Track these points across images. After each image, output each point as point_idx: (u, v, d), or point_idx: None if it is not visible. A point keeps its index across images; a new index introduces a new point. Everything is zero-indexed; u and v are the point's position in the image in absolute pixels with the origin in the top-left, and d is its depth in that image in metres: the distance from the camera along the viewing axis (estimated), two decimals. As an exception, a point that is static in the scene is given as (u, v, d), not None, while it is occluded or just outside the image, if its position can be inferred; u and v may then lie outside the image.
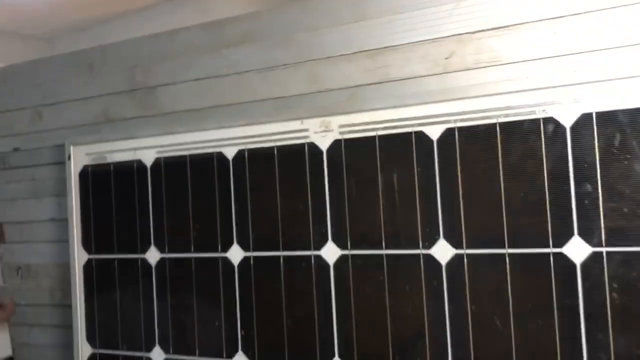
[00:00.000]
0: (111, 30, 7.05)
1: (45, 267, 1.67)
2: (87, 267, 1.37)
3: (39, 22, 7.06)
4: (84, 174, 1.37)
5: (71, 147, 1.39)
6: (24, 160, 1.65)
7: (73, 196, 1.38)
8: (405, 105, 1.06)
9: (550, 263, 0.94)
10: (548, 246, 0.94)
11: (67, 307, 1.63)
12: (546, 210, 0.95)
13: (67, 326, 1.63)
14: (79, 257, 1.38)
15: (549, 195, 0.95)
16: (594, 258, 0.91)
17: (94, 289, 1.37)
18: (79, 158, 1.38)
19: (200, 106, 1.36)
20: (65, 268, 1.61)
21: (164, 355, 1.28)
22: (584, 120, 0.92)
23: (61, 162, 1.57)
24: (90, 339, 1.37)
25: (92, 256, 1.37)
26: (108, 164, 1.34)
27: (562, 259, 0.94)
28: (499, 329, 0.98)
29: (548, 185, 0.95)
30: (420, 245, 1.03)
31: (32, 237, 1.68)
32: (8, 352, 1.81)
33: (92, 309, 1.37)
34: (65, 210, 1.57)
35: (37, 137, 1.61)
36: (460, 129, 1.00)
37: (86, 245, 1.38)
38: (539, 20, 1.05)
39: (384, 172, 1.07)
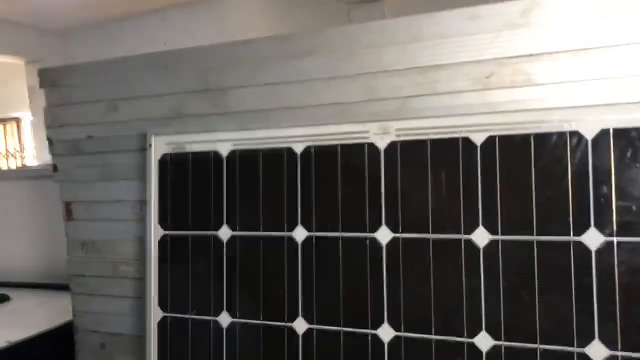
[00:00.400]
0: (126, 29, 7.26)
1: (109, 243, 1.87)
2: (162, 241, 1.58)
3: (56, 17, 7.26)
4: (164, 161, 1.58)
5: (152, 137, 1.59)
6: (96, 147, 1.85)
7: (152, 179, 1.59)
8: (453, 115, 1.28)
9: (570, 249, 1.16)
10: (569, 235, 1.16)
11: (129, 278, 1.83)
12: (569, 206, 1.17)
13: (128, 296, 1.84)
14: (155, 232, 1.58)
15: (571, 194, 1.17)
16: (607, 246, 1.13)
17: (168, 260, 1.57)
18: (159, 147, 1.58)
19: (268, 107, 1.57)
20: (129, 244, 1.81)
21: (230, 319, 1.48)
22: (603, 135, 1.14)
23: (132, 150, 1.78)
24: (162, 304, 1.57)
25: (167, 232, 1.57)
26: (187, 153, 1.55)
27: (580, 245, 1.15)
28: (525, 301, 1.19)
29: (571, 185, 1.17)
30: (462, 231, 1.25)
31: (99, 215, 1.88)
32: (69, 317, 2.01)
33: (164, 278, 1.57)
34: (133, 192, 1.78)
35: (111, 127, 1.81)
36: (501, 137, 1.22)
37: (162, 222, 1.58)
38: (567, 51, 1.27)
39: (433, 170, 1.28)
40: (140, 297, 1.81)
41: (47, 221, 2.94)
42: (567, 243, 1.16)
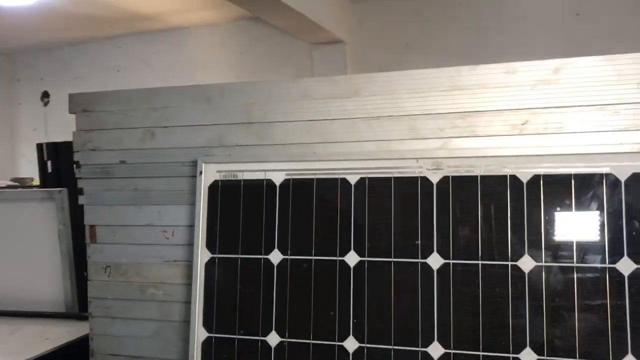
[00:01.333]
0: (77, 54, 7.13)
1: (136, 266, 1.89)
2: (209, 264, 1.64)
3: (2, 37, 7.02)
4: (214, 187, 1.65)
5: (203, 164, 1.66)
6: (129, 172, 1.88)
7: (201, 204, 1.65)
8: (499, 156, 1.45)
9: (606, 274, 1.34)
10: (605, 262, 1.34)
11: (157, 301, 1.86)
12: (604, 237, 1.35)
13: (153, 319, 1.86)
14: (202, 256, 1.64)
15: (607, 227, 1.35)
16: (638, 272, 1.32)
17: (214, 282, 1.63)
18: (209, 173, 1.65)
19: (312, 141, 1.69)
20: (158, 267, 1.85)
21: (279, 339, 1.56)
22: (635, 177, 1.34)
23: (167, 176, 1.83)
24: (207, 325, 1.63)
25: (215, 255, 1.63)
26: (238, 181, 1.63)
27: (615, 272, 1.33)
28: (566, 319, 1.36)
29: (607, 220, 1.35)
30: (509, 258, 1.40)
31: (126, 239, 1.90)
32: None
33: (210, 300, 1.63)
34: (166, 216, 1.82)
35: (146, 153, 1.86)
36: (544, 176, 1.40)
37: (210, 246, 1.65)
38: (592, 105, 1.46)
39: (483, 203, 1.44)
40: (165, 320, 1.84)
41: (15, 247, 2.85)
42: (604, 269, 1.34)
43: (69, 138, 3.14)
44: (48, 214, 2.80)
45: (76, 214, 2.66)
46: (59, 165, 3.32)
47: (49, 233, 2.79)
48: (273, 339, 1.55)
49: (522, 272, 1.38)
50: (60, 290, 2.79)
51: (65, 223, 2.74)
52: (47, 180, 3.30)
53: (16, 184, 5.87)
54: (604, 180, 1.35)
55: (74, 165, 1.96)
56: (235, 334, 1.58)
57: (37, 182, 3.78)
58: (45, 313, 2.77)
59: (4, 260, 2.87)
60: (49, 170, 3.37)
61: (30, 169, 6.48)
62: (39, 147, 3.30)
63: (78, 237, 2.67)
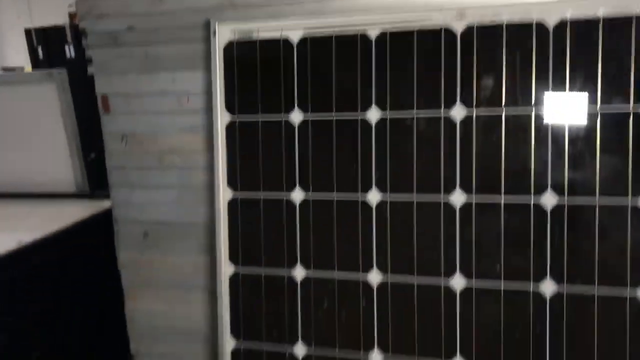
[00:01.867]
0: None
1: (152, 134, 1.89)
2: (230, 126, 1.64)
3: None
4: (229, 48, 1.61)
5: (217, 24, 1.62)
6: (138, 38, 1.83)
7: (217, 67, 1.62)
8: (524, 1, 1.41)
9: (630, 117, 1.35)
10: (629, 108, 1.35)
11: (175, 168, 1.88)
12: (630, 82, 1.35)
13: (173, 185, 1.89)
14: (222, 118, 1.64)
15: (633, 71, 1.35)
16: None
17: (236, 144, 1.64)
18: (223, 34, 1.61)
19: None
20: (174, 135, 1.85)
21: (302, 195, 1.60)
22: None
23: (178, 41, 1.78)
24: (232, 186, 1.66)
25: (235, 117, 1.64)
26: (254, 41, 1.59)
27: (638, 116, 1.35)
28: (587, 162, 1.39)
29: (634, 64, 1.35)
30: (532, 106, 1.41)
31: (140, 108, 1.89)
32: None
33: (233, 161, 1.65)
34: (179, 83, 1.80)
35: (155, 18, 1.80)
36: (572, 21, 1.37)
37: (229, 108, 1.64)
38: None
39: (508, 52, 1.42)
40: (186, 186, 1.87)
41: (19, 131, 2.83)
42: (628, 113, 1.36)
43: (57, 22, 3.04)
44: (48, 96, 2.77)
45: (76, 95, 2.63)
46: (49, 50, 3.25)
47: (52, 115, 2.77)
48: (297, 195, 1.59)
49: (546, 123, 1.40)
50: (70, 170, 2.81)
51: (67, 103, 2.71)
52: (39, 66, 3.24)
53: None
54: (635, 23, 1.33)
55: (82, 35, 1.91)
56: (260, 192, 1.62)
57: (28, 70, 3.71)
58: (57, 193, 2.81)
59: (10, 145, 2.86)
60: (40, 56, 3.30)
61: (18, 58, 6.31)
62: (28, 33, 3.20)
63: (81, 118, 2.65)
